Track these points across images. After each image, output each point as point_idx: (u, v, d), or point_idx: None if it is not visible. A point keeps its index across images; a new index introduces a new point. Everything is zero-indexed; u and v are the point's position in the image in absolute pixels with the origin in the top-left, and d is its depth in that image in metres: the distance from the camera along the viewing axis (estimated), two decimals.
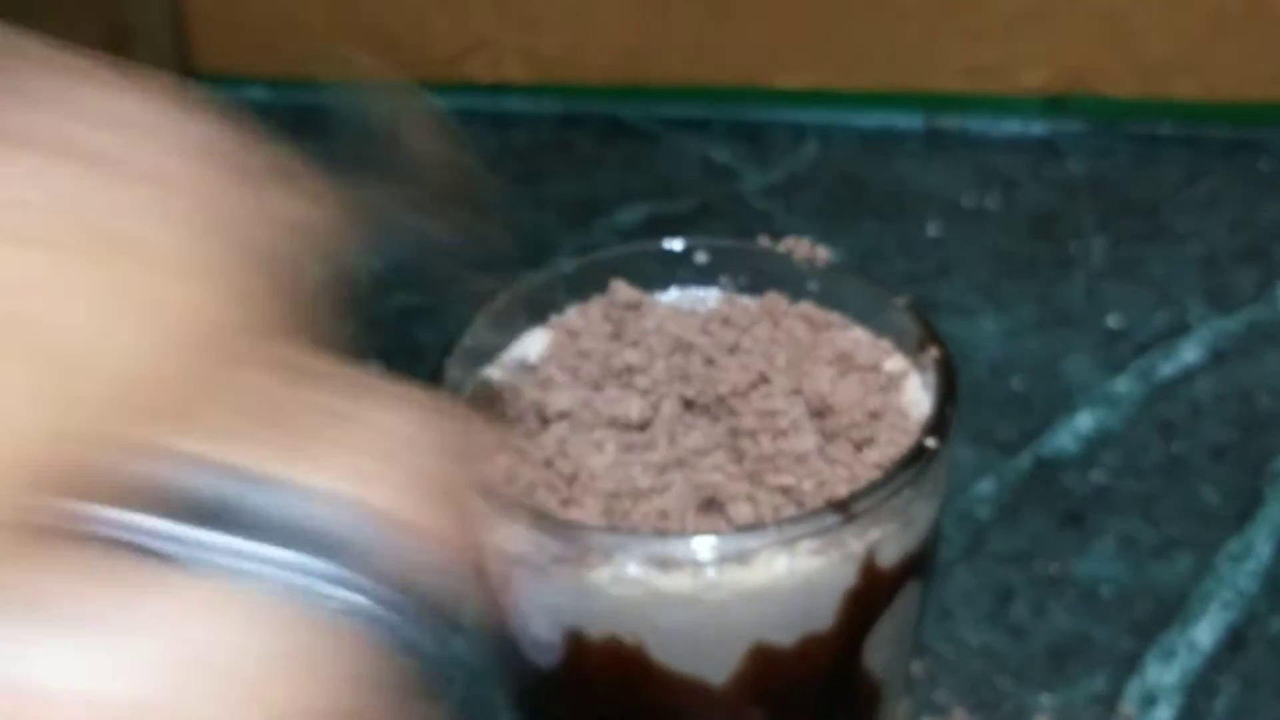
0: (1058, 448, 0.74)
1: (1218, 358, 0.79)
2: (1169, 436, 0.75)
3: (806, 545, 0.38)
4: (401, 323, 0.85)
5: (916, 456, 0.39)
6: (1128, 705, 0.62)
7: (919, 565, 0.42)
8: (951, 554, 0.69)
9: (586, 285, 0.48)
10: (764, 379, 0.43)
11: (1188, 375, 0.78)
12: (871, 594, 0.40)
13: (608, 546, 0.38)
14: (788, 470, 0.40)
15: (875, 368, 0.44)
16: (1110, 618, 0.66)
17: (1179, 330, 0.81)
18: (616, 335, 0.45)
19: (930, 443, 0.40)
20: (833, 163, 0.97)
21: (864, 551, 0.39)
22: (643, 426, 0.42)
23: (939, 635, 0.65)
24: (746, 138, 1.00)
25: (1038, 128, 0.98)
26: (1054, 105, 0.97)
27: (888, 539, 0.40)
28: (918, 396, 0.44)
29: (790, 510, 0.39)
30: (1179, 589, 0.67)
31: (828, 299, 0.47)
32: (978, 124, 0.98)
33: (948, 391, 0.41)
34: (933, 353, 0.43)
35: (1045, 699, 0.62)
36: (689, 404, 0.43)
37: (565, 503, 0.40)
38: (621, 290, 0.47)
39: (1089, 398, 0.77)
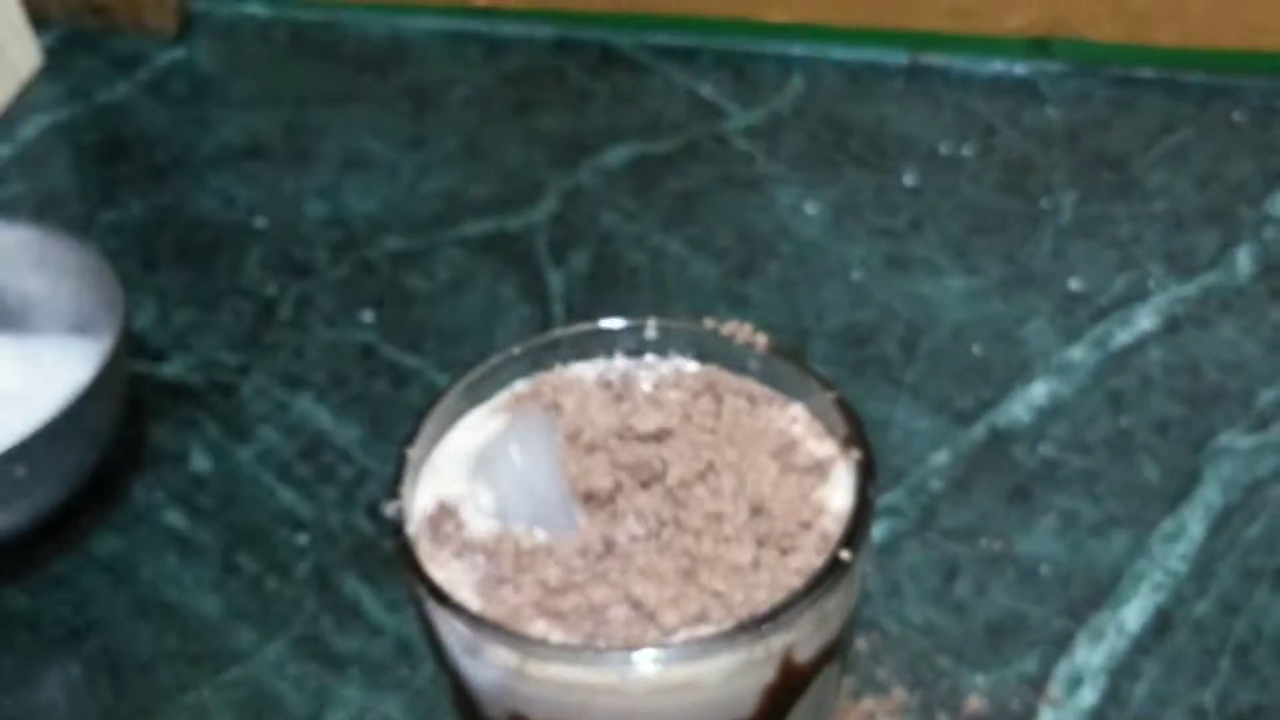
0: (1011, 418, 0.78)
1: (1172, 326, 0.82)
2: (1117, 409, 0.78)
3: (729, 651, 0.42)
4: (392, 268, 0.89)
5: (832, 569, 0.44)
6: (1055, 688, 0.67)
7: (835, 653, 0.46)
8: (904, 527, 0.73)
9: (537, 364, 0.52)
10: (712, 469, 0.47)
11: (1141, 344, 0.82)
12: (789, 685, 0.45)
13: (543, 653, 0.42)
14: (722, 577, 0.44)
15: (811, 463, 0.47)
16: (1047, 597, 0.70)
17: (1138, 296, 0.84)
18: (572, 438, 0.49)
19: (845, 555, 0.44)
20: (817, 101, 0.99)
21: (781, 651, 0.44)
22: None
23: (886, 611, 0.70)
24: (734, 71, 1.02)
25: (1020, 68, 1.00)
26: (1036, 47, 0.99)
27: (804, 639, 0.44)
28: (844, 483, 0.48)
29: (717, 614, 0.44)
30: (1114, 569, 0.71)
31: (767, 378, 0.51)
32: (961, 63, 1.00)
33: (863, 501, 0.45)
34: (855, 454, 0.47)
35: (980, 679, 0.67)
36: (643, 484, 0.47)
37: (500, 582, 0.44)
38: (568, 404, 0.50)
39: (1045, 366, 0.81)
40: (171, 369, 0.84)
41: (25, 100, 1.03)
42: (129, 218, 0.94)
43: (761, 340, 0.50)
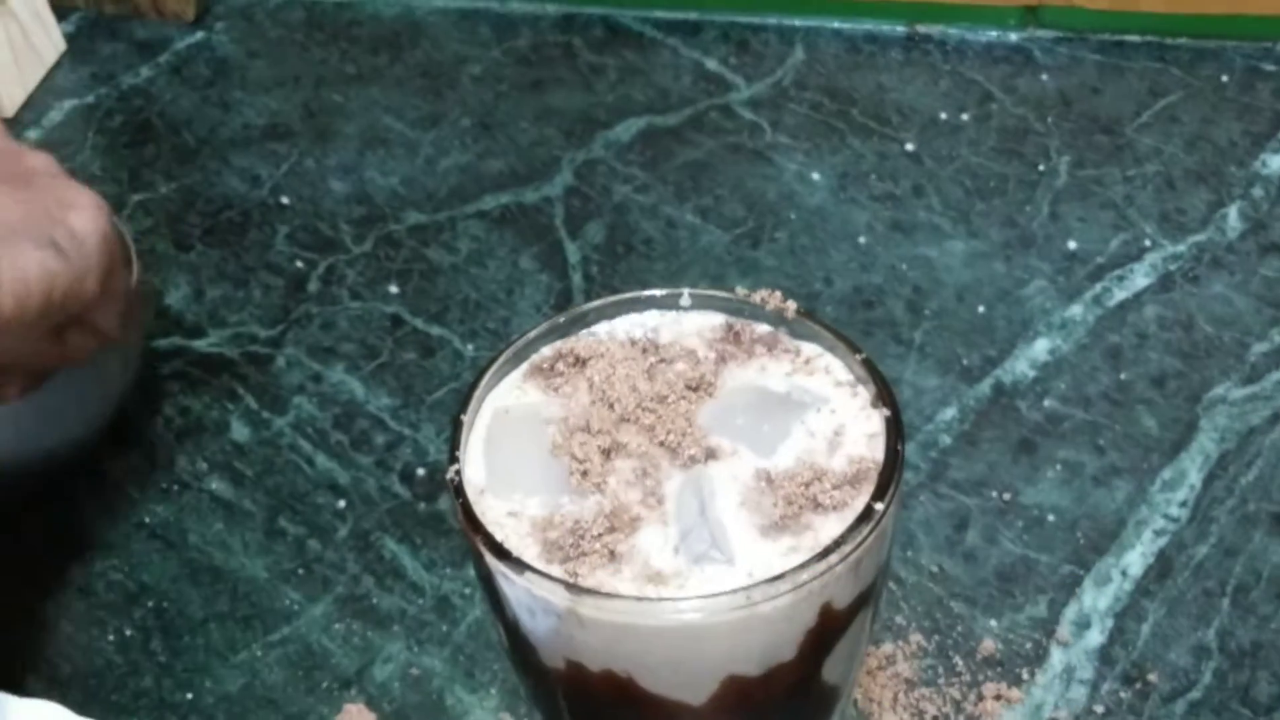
0: (1016, 375, 0.82)
1: (1166, 283, 0.86)
2: (1116, 364, 0.82)
3: (773, 598, 0.46)
4: (415, 242, 0.92)
5: (865, 519, 0.47)
6: (1065, 630, 0.70)
7: (869, 598, 0.50)
8: (916, 480, 0.77)
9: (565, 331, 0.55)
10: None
11: (1137, 301, 0.85)
12: (828, 629, 0.48)
13: (599, 601, 0.46)
14: None
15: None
16: (1053, 545, 0.74)
17: (1133, 255, 0.88)
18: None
19: (878, 507, 0.47)
20: (819, 71, 1.02)
21: (821, 599, 0.47)
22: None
23: (901, 561, 0.74)
24: (737, 44, 1.05)
25: (1013, 36, 1.03)
26: (1028, 15, 1.02)
27: (842, 587, 0.48)
28: (876, 430, 0.51)
29: None
30: (1117, 516, 0.75)
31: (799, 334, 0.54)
32: (956, 32, 1.04)
33: (894, 456, 0.49)
34: (884, 411, 0.50)
35: (992, 623, 0.71)
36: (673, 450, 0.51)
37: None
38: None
39: (1047, 324, 0.84)
40: (208, 343, 0.87)
41: (50, 85, 1.06)
42: (158, 198, 0.97)
43: (791, 306, 0.54)
